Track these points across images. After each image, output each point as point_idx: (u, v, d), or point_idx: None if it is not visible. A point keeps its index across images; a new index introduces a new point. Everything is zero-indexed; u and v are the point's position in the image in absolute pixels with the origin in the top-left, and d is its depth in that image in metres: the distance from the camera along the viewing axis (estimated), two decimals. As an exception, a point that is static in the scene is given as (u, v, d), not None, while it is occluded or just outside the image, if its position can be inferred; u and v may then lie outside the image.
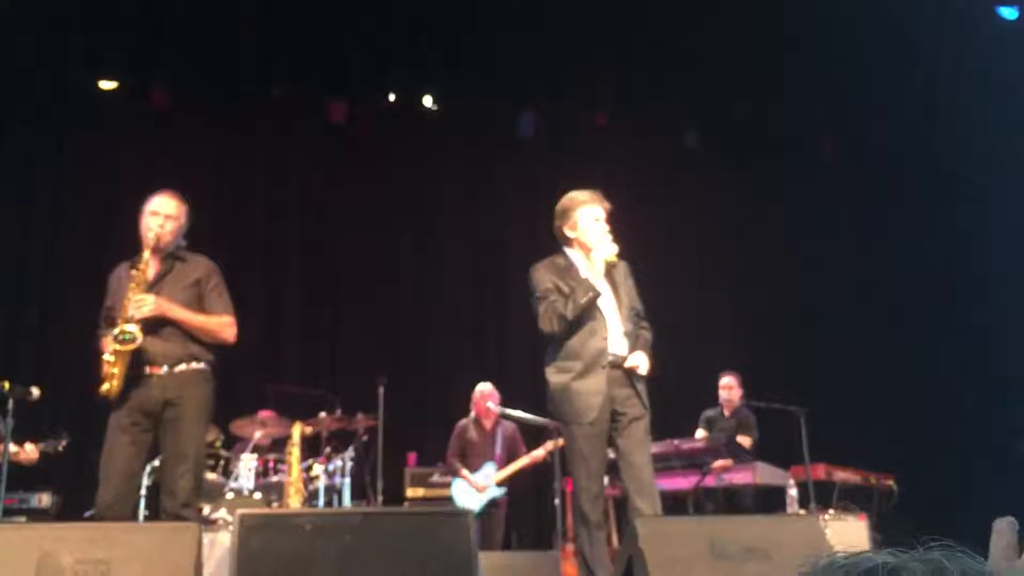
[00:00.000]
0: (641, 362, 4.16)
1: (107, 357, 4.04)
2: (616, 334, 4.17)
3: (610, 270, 4.24)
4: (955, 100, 8.52)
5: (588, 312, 4.11)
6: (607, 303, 4.20)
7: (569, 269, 4.22)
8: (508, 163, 9.10)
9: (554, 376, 4.15)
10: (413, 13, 8.07)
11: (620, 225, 4.37)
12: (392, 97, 8.87)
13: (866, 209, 9.35)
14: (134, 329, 3.99)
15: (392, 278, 8.78)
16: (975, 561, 0.89)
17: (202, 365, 4.18)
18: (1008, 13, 7.82)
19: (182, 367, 4.12)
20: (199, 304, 4.24)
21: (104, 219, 7.50)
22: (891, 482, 6.99)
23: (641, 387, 4.18)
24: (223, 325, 4.26)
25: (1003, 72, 8.18)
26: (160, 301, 4.09)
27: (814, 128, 9.22)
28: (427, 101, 8.91)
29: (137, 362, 4.05)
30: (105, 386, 4.03)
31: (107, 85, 8.17)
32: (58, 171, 8.09)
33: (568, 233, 4.28)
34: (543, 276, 4.22)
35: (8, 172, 7.92)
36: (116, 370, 4.01)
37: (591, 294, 4.08)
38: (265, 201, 8.77)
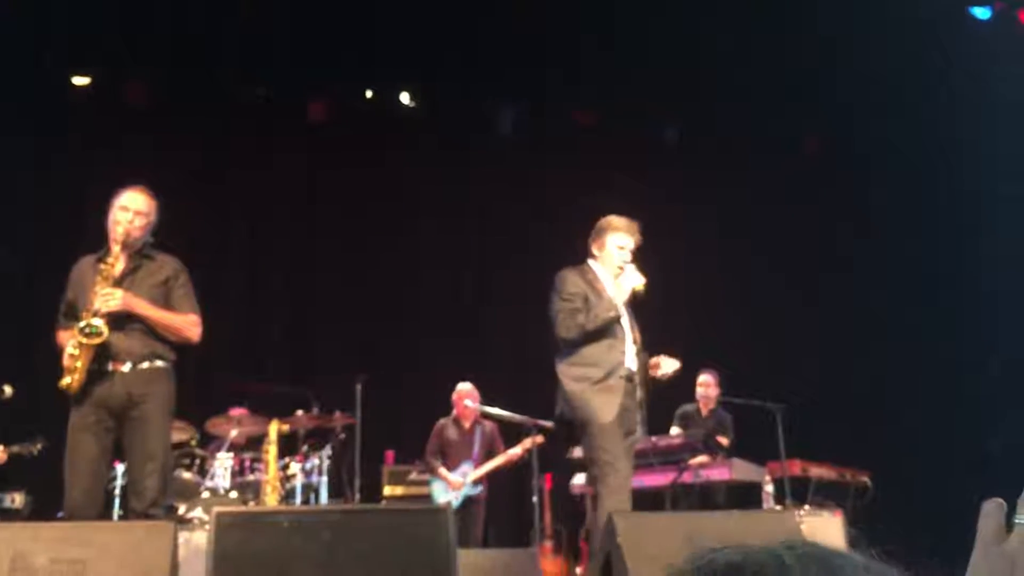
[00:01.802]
0: (669, 367, 4.51)
1: (70, 351, 3.99)
2: (631, 352, 4.45)
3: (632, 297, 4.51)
4: (924, 99, 8.59)
5: (609, 327, 4.38)
6: (624, 322, 4.48)
7: (595, 282, 4.51)
8: (488, 161, 9.09)
9: (572, 383, 4.34)
10: (393, 9, 8.03)
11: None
12: (369, 94, 8.83)
13: (840, 203, 9.42)
14: (100, 323, 3.95)
15: (371, 276, 8.75)
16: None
17: (165, 364, 4.16)
18: (981, 13, 7.91)
19: (145, 365, 4.09)
20: (166, 303, 4.22)
21: (77, 215, 7.42)
22: (866, 478, 7.05)
23: (643, 409, 4.48)
24: (189, 323, 4.25)
25: (975, 71, 8.25)
26: (128, 296, 4.06)
27: (800, 127, 9.24)
28: (404, 98, 8.88)
29: (101, 357, 4.01)
30: (66, 380, 3.99)
31: (81, 81, 8.10)
32: (27, 165, 7.98)
33: (595, 251, 4.61)
34: (572, 279, 4.49)
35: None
36: (79, 364, 3.97)
37: (612, 314, 4.37)
38: (244, 199, 8.72)
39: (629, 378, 4.38)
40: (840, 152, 9.45)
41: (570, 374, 4.36)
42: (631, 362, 4.42)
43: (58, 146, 8.00)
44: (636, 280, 4.45)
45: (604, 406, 4.26)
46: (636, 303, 4.55)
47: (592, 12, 8.06)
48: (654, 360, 4.54)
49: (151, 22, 7.78)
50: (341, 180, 8.79)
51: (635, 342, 4.50)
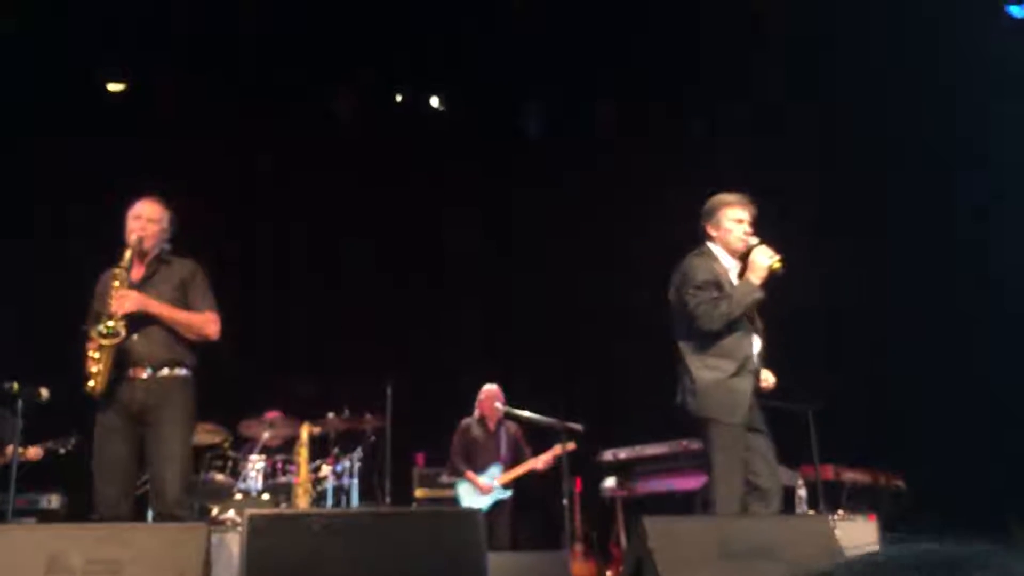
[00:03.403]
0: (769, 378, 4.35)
1: (92, 354, 4.09)
2: (757, 343, 4.28)
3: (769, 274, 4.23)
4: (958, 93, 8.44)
5: (741, 315, 4.18)
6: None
7: (719, 265, 4.30)
8: (514, 162, 9.09)
9: (705, 372, 4.15)
10: (419, 13, 8.06)
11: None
12: (399, 98, 8.87)
13: (867, 201, 9.27)
14: (116, 324, 4.05)
15: (401, 278, 8.79)
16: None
17: (184, 372, 4.24)
18: (1018, 11, 7.79)
19: (165, 372, 4.18)
20: (184, 305, 4.31)
21: (108, 219, 7.50)
22: (900, 482, 6.96)
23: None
24: (206, 320, 4.32)
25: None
26: (141, 296, 4.15)
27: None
28: (434, 102, 8.91)
29: (121, 362, 4.10)
30: (90, 383, 4.08)
31: (115, 87, 8.20)
32: (60, 171, 8.08)
33: (711, 231, 4.36)
34: (700, 266, 4.26)
35: (10, 171, 7.94)
36: (101, 367, 4.06)
37: (757, 295, 4.16)
38: (272, 201, 8.78)
39: (755, 372, 4.22)
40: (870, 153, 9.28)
41: (702, 365, 4.15)
42: (756, 355, 4.25)
43: (93, 147, 8.10)
44: (770, 256, 4.18)
45: (734, 405, 4.09)
46: (771, 281, 4.23)
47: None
48: (764, 378, 4.34)
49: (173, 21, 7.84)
50: (371, 181, 8.82)
51: (759, 332, 4.30)
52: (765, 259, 4.17)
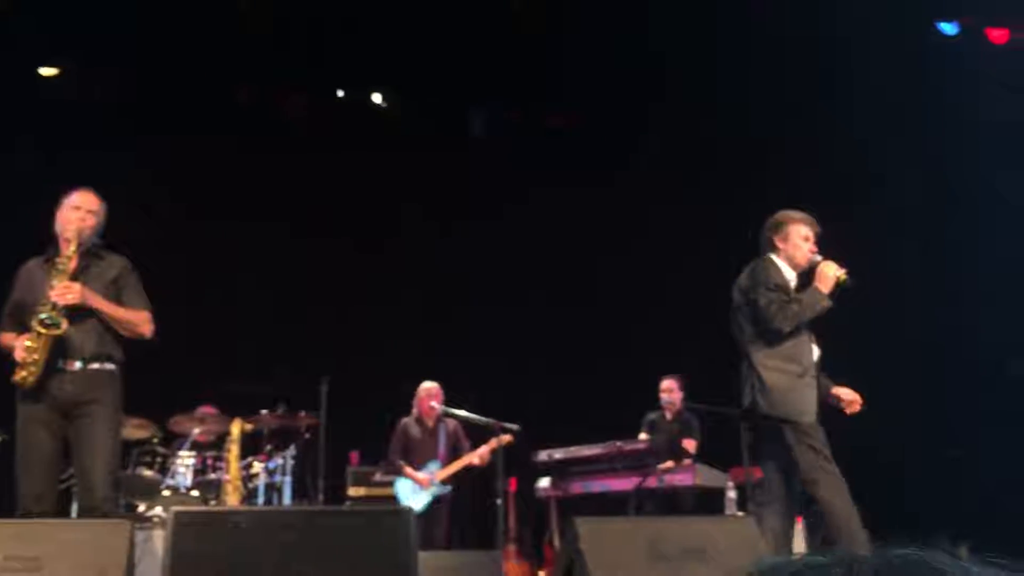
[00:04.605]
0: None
1: (28, 343, 4.01)
2: (816, 351, 4.43)
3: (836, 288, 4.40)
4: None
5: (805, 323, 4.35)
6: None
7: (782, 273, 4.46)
8: (459, 162, 9.08)
9: (776, 375, 4.26)
10: (365, 8, 8.00)
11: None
12: (341, 93, 8.80)
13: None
14: (59, 315, 3.99)
15: (338, 275, 8.72)
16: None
17: (113, 366, 4.22)
18: (948, 28, 8.01)
19: (95, 366, 4.15)
20: (116, 301, 4.28)
21: (32, 209, 7.32)
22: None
23: None
24: (143, 320, 4.32)
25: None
26: (85, 290, 4.10)
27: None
28: (376, 98, 8.85)
29: (55, 353, 4.05)
30: (22, 374, 4.00)
31: (49, 72, 8.00)
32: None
33: (778, 244, 4.50)
34: (776, 270, 4.40)
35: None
36: (36, 357, 4.00)
37: (826, 304, 4.32)
38: (212, 198, 8.65)
39: (816, 377, 4.36)
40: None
41: (772, 367, 4.27)
42: (815, 362, 4.40)
43: (23, 145, 7.88)
44: (838, 270, 4.37)
45: (807, 404, 4.22)
46: (839, 294, 4.42)
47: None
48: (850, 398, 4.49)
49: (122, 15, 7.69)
50: (311, 179, 8.74)
51: (815, 341, 4.45)
52: (833, 271, 4.37)
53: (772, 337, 4.29)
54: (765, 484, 4.41)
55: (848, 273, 4.36)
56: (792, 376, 4.26)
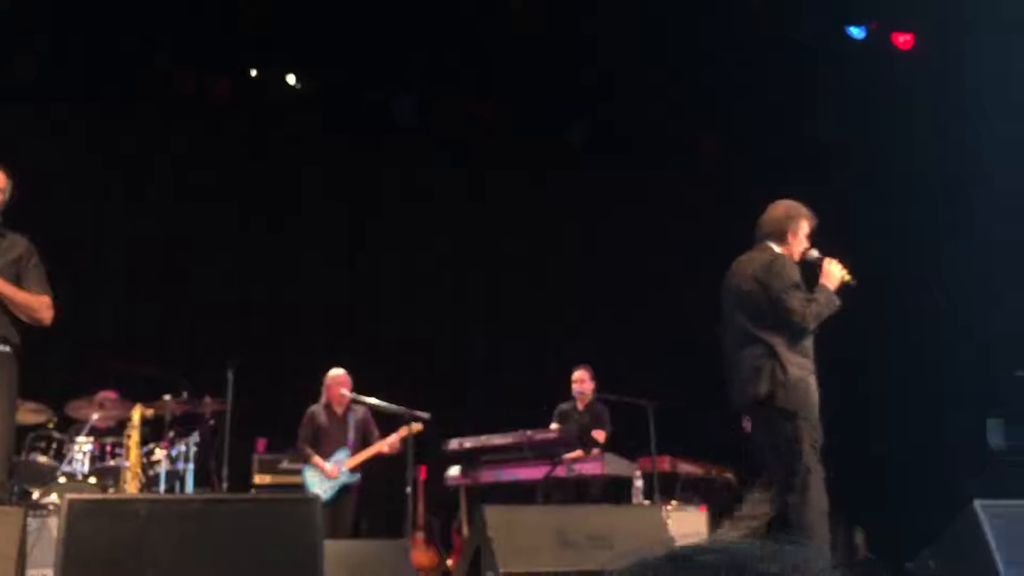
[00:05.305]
0: None
1: None
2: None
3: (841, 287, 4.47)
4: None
5: None
6: None
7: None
8: (377, 147, 8.99)
9: (796, 369, 4.27)
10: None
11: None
12: (254, 73, 8.59)
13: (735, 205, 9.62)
14: None
15: (248, 259, 8.55)
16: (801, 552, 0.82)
17: (8, 349, 4.11)
18: (857, 32, 8.23)
19: None
20: (17, 282, 4.15)
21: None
22: (730, 475, 7.29)
23: None
24: (43, 304, 4.21)
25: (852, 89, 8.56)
26: None
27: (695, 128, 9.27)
28: (290, 79, 8.67)
29: None
30: None
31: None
32: None
33: (789, 238, 4.51)
34: (792, 268, 4.40)
35: None
36: None
37: (837, 303, 4.38)
38: (121, 177, 8.38)
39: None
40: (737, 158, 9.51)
41: (795, 363, 4.28)
42: None
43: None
44: (842, 270, 4.43)
45: (813, 402, 4.28)
46: (843, 293, 4.47)
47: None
48: None
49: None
50: (223, 160, 8.54)
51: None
52: (839, 272, 4.44)
53: (793, 333, 4.34)
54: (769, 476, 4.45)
55: (852, 275, 4.47)
56: (808, 372, 4.35)
